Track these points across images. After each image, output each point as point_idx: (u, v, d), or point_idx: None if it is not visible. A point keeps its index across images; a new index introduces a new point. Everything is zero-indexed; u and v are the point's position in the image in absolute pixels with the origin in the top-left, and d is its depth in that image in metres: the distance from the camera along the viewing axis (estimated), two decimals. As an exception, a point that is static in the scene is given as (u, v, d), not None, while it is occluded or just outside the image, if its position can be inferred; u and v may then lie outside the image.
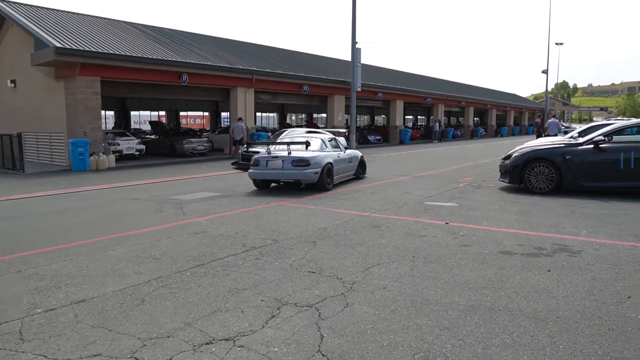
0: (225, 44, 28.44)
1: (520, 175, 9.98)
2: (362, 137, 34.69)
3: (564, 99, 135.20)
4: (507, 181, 10.32)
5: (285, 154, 10.63)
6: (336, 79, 29.05)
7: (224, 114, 41.81)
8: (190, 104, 40.12)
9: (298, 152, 10.82)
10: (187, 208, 8.77)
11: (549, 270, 4.81)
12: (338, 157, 11.59)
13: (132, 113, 38.26)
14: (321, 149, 11.31)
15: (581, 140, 9.81)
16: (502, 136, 51.44)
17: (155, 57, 19.72)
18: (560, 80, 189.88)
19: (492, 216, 7.66)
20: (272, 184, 11.33)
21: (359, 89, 28.53)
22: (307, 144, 11.07)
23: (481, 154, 23.72)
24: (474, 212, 7.95)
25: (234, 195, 10.35)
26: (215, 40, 28.84)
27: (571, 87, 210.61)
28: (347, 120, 32.46)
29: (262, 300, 4.09)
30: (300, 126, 39.62)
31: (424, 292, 4.26)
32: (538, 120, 25.79)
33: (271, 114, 49.53)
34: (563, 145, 9.88)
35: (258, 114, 44.96)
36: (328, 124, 30.70)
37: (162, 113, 42.46)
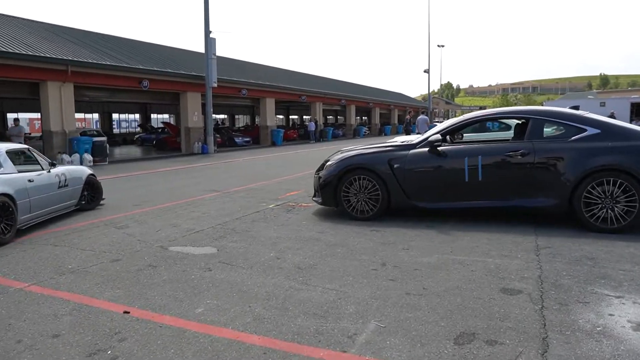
0: (40, 29, 23.13)
1: (336, 194, 6.88)
2: (229, 139, 31.01)
3: (447, 99, 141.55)
4: (320, 201, 7.18)
5: None
6: (188, 72, 24.99)
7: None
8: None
9: None
10: None
11: None
12: (30, 181, 6.73)
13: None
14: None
15: (415, 140, 6.89)
16: (385, 135, 50.36)
17: None
18: (445, 81, 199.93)
19: (239, 283, 4.35)
20: None
21: (215, 84, 24.89)
22: None
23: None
24: (219, 274, 4.59)
25: None
26: (22, 22, 23.34)
27: (455, 87, 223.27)
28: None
29: None
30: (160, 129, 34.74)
31: None
32: (408, 117, 23.82)
33: (132, 115, 43.87)
34: (392, 148, 6.93)
35: (79, 115, 39.26)
36: (181, 125, 26.52)
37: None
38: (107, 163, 19.97)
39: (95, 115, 37.51)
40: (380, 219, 6.75)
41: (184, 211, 8.15)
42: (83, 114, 38.27)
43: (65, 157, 18.69)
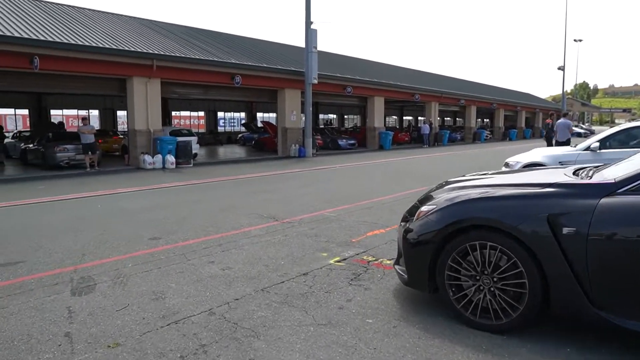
0: (128, 22, 22.22)
1: (434, 269, 3.57)
2: (332, 142, 28.41)
3: (583, 100, 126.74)
4: (405, 277, 3.86)
5: None
6: (285, 68, 22.67)
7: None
8: (67, 99, 30.64)
9: None
10: None
11: None
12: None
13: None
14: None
15: (611, 173, 3.34)
16: (510, 139, 44.59)
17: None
18: (580, 81, 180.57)
19: None
20: None
21: (315, 81, 22.32)
22: None
23: (465, 166, 17.19)
24: None
25: None
26: (110, 16, 22.55)
27: (591, 88, 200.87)
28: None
29: None
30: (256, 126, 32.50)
31: None
32: (549, 120, 19.12)
33: (237, 114, 42.89)
34: (556, 189, 3.38)
35: (185, 113, 38.76)
36: (278, 125, 24.34)
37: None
38: (191, 165, 18.24)
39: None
40: (527, 330, 3.32)
41: (198, 260, 5.33)
42: (189, 112, 38.13)
43: (147, 157, 17.22)
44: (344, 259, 5.32)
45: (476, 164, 17.99)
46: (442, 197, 3.79)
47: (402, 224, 4.15)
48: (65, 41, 15.19)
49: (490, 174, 4.86)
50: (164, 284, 4.59)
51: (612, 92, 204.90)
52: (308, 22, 22.33)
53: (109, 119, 33.72)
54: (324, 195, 10.22)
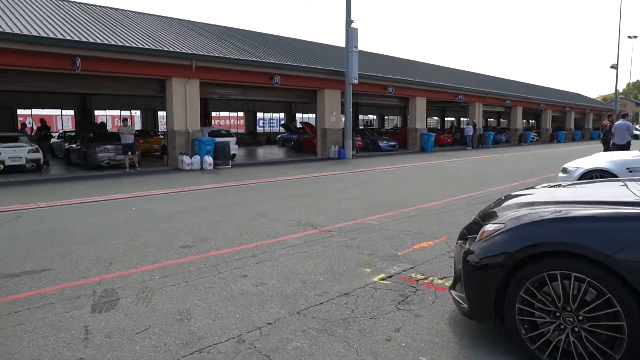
0: (167, 23, 22.26)
1: (501, 300, 2.98)
2: (372, 144, 27.78)
3: (637, 100, 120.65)
4: (464, 306, 3.28)
5: None
6: (325, 67, 22.23)
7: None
8: (110, 100, 31.10)
9: None
10: None
11: None
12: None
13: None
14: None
15: None
16: (558, 142, 42.67)
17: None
18: (634, 80, 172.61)
19: None
20: None
21: (355, 81, 21.80)
22: None
23: (512, 170, 16.28)
24: None
25: None
26: (147, 17, 22.66)
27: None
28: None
29: None
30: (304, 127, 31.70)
31: None
32: (607, 122, 17.81)
33: (277, 114, 42.66)
34: None
35: (224, 113, 38.57)
36: (318, 126, 23.92)
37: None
38: (229, 166, 18.04)
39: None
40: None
41: (230, 274, 4.91)
42: (228, 113, 38.22)
43: (186, 158, 17.12)
44: (390, 276, 4.79)
45: (525, 168, 17.03)
46: (510, 215, 3.20)
47: (460, 242, 3.59)
48: (106, 42, 15.22)
49: (560, 187, 4.22)
50: (190, 301, 4.18)
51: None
52: (348, 21, 21.82)
53: (150, 119, 34.18)
54: (365, 201, 9.68)
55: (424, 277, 4.77)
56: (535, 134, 42.72)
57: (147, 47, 16.16)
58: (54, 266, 5.25)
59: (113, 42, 15.41)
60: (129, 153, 16.63)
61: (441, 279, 4.67)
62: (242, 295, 4.31)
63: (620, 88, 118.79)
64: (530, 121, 59.66)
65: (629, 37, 57.46)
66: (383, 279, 4.70)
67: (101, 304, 4.15)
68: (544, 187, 4.37)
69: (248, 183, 13.14)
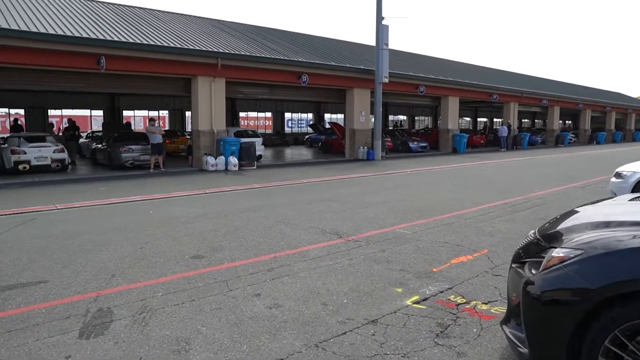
0: (194, 22, 21.94)
1: (574, 349, 2.27)
2: (403, 145, 26.96)
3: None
4: (523, 351, 2.57)
5: None
6: (354, 66, 21.56)
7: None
8: (137, 100, 30.71)
9: None
10: None
11: None
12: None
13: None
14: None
15: None
16: (598, 143, 40.77)
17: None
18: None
19: None
20: None
21: (386, 80, 21.09)
22: None
23: (550, 174, 15.27)
24: None
25: None
26: (173, 16, 22.39)
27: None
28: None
29: None
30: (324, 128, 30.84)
31: None
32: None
33: (305, 115, 42.14)
34: None
35: (252, 113, 38.08)
36: (346, 127, 23.26)
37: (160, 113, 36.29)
38: (254, 167, 17.56)
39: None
40: None
41: (242, 292, 4.32)
42: (256, 113, 37.88)
43: (210, 159, 16.71)
44: (425, 299, 4.11)
45: (564, 172, 15.98)
46: (586, 238, 2.50)
47: (515, 266, 2.90)
48: (131, 41, 14.94)
49: (637, 200, 3.47)
50: (192, 326, 3.60)
51: None
52: (379, 18, 21.10)
53: (177, 119, 34.14)
54: (395, 206, 8.99)
55: (465, 300, 4.08)
56: (573, 135, 40.99)
57: (172, 45, 15.81)
58: (52, 278, 4.77)
59: (138, 41, 15.11)
60: (157, 154, 16.34)
61: (486, 303, 3.97)
62: (253, 319, 3.71)
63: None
64: (566, 122, 57.53)
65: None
66: (417, 302, 4.04)
67: (91, 327, 3.61)
68: (613, 200, 3.63)
69: (272, 185, 12.60)
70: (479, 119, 52.69)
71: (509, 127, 31.33)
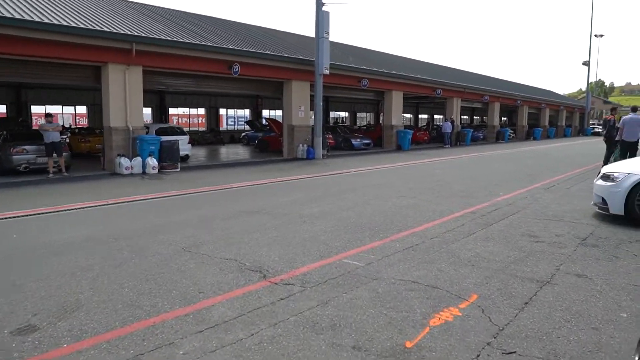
0: (103, 3, 19.15)
1: None
2: (345, 142, 25.31)
3: (599, 97, 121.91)
4: None
5: None
6: (292, 56, 19.58)
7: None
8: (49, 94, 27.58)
9: None
10: None
11: None
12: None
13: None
14: None
15: None
16: (534, 139, 41.27)
17: None
18: (596, 78, 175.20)
19: None
20: None
21: (327, 71, 19.28)
22: None
23: (507, 172, 14.02)
24: None
25: None
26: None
27: (607, 85, 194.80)
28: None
29: None
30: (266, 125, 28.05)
31: None
32: (610, 117, 15.73)
33: (242, 111, 39.60)
34: None
35: (184, 110, 34.97)
36: (284, 123, 21.29)
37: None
38: (178, 170, 15.26)
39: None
40: None
41: None
42: (188, 109, 34.95)
43: (124, 161, 14.24)
44: None
45: (519, 170, 14.80)
46: None
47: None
48: (18, 17, 12.22)
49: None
50: None
51: (630, 90, 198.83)
52: (319, 3, 19.25)
53: (98, 116, 30.73)
54: (340, 219, 7.15)
55: None
56: (512, 131, 41.18)
57: (74, 25, 13.20)
58: None
59: (28, 18, 12.41)
60: (54, 155, 13.65)
61: None
62: None
63: (584, 86, 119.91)
64: (502, 118, 58.35)
65: (596, 35, 56.80)
66: None
67: None
68: None
69: (193, 192, 10.46)
70: (420, 116, 52.26)
71: (452, 122, 30.53)
